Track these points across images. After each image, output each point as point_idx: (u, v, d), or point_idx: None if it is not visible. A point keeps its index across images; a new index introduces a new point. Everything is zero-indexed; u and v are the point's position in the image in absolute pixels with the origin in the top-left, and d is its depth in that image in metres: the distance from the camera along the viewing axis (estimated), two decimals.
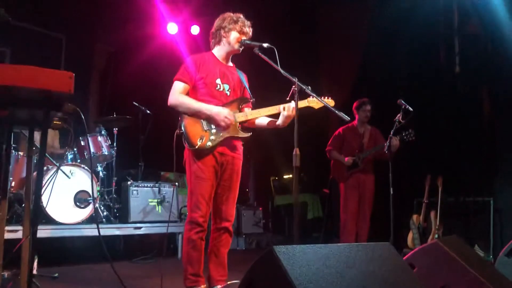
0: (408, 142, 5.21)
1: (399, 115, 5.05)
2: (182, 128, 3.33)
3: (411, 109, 4.96)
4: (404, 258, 3.07)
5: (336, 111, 3.13)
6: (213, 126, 3.37)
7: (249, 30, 3.55)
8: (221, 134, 3.38)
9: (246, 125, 3.59)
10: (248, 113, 3.49)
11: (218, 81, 3.48)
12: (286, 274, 1.88)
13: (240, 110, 3.51)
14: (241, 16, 3.57)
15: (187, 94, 3.43)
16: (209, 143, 3.34)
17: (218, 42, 3.58)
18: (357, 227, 5.60)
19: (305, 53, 8.06)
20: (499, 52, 6.25)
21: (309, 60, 8.08)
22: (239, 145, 3.57)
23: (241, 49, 3.52)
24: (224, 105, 3.43)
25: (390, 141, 5.10)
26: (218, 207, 3.49)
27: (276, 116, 3.48)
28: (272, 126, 3.53)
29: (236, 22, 3.51)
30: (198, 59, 3.48)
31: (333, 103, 3.46)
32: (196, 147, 3.30)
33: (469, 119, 6.58)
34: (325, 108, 3.36)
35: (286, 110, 3.35)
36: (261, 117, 3.55)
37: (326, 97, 3.45)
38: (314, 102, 3.45)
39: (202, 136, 3.33)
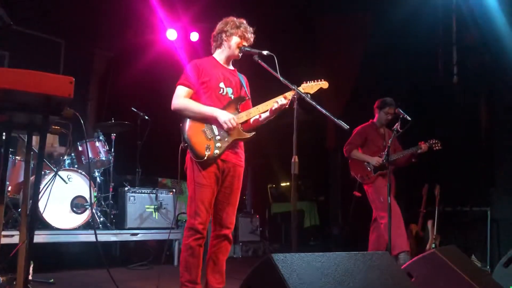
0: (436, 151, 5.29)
1: (397, 124, 5.04)
2: (186, 141, 3.31)
3: (409, 118, 4.96)
4: (402, 267, 3.07)
5: (335, 120, 3.12)
6: (216, 133, 3.35)
7: (250, 36, 3.55)
8: (226, 139, 3.36)
9: (248, 126, 3.55)
10: (248, 112, 3.46)
11: (222, 84, 3.48)
12: (284, 282, 1.88)
13: (239, 111, 3.50)
14: (244, 21, 3.57)
15: (190, 98, 3.42)
16: (217, 151, 3.31)
17: (219, 46, 3.58)
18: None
19: (303, 62, 8.07)
20: (496, 62, 6.28)
21: (307, 70, 8.09)
22: (241, 152, 3.54)
23: (240, 55, 3.52)
24: (223, 107, 3.41)
25: (421, 148, 5.24)
26: (218, 214, 3.46)
27: None
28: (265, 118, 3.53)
29: (238, 27, 3.51)
30: (199, 64, 3.48)
31: (327, 84, 3.50)
32: (205, 157, 3.27)
33: (466, 129, 6.60)
34: (323, 117, 3.36)
35: (283, 99, 3.36)
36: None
37: (319, 80, 3.49)
38: (308, 87, 3.46)
39: (208, 146, 3.30)
